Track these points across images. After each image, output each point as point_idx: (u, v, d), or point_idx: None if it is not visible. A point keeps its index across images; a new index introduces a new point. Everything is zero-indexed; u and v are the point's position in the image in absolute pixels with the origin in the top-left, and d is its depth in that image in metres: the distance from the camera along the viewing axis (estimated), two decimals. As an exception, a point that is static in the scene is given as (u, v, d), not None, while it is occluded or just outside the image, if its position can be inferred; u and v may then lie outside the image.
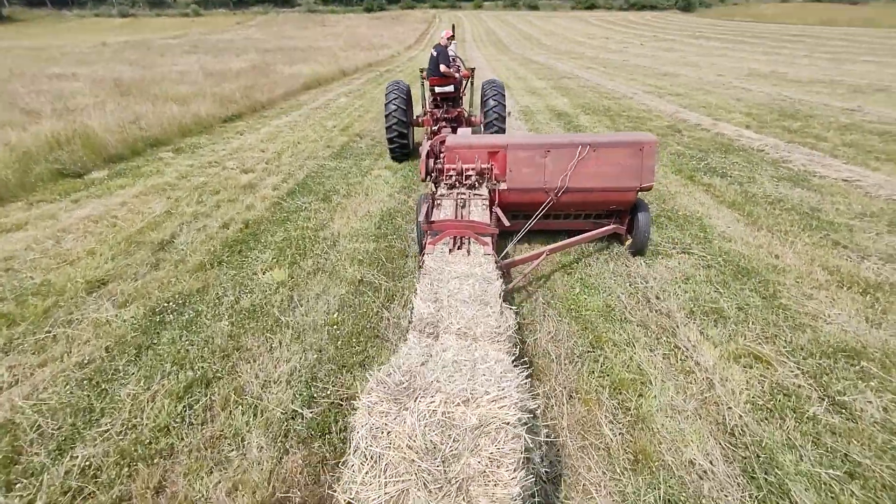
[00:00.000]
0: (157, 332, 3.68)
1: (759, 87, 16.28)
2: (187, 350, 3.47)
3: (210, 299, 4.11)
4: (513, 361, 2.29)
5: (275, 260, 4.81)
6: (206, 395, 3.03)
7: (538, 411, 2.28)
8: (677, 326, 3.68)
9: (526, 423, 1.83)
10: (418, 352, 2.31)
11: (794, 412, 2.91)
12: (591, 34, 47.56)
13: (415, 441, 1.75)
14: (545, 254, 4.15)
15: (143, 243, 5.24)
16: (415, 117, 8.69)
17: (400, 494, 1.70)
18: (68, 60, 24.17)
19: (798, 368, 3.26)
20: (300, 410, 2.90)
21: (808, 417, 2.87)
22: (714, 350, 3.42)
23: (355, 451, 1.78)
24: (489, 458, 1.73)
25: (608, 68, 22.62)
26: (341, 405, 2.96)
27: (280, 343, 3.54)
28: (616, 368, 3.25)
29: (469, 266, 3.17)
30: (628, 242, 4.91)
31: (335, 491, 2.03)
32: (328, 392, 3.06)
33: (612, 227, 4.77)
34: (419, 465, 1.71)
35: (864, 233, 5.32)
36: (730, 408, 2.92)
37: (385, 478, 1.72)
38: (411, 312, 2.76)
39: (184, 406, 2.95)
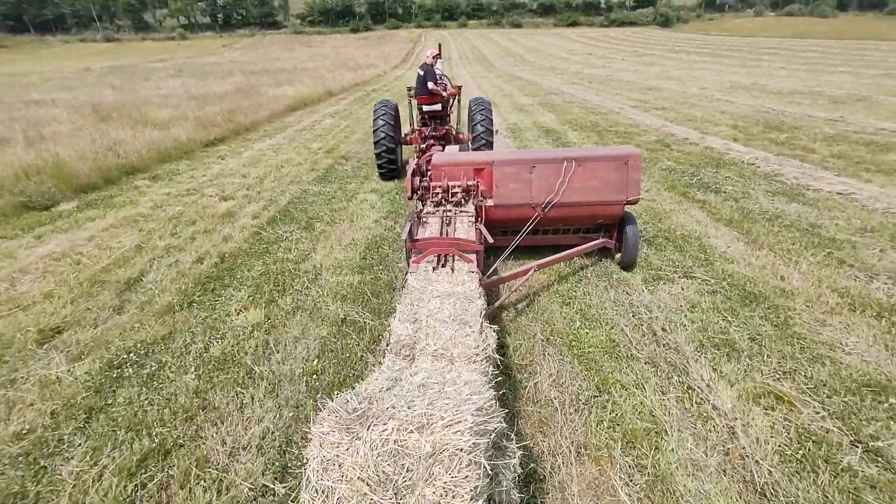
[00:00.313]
0: (113, 391, 3.27)
1: (741, 100, 16.45)
2: (145, 412, 3.06)
3: (176, 347, 3.71)
4: (489, 381, 2.20)
5: (251, 298, 4.43)
6: (163, 470, 2.63)
7: (508, 432, 2.04)
8: (688, 363, 3.38)
9: (485, 449, 1.70)
10: (387, 376, 2.20)
11: (828, 463, 2.60)
12: (574, 50, 48.47)
13: (367, 472, 1.64)
14: (534, 269, 4.06)
15: (107, 283, 4.83)
16: (403, 136, 8.59)
17: None
18: (49, 86, 23.78)
19: (823, 409, 2.97)
20: (271, 486, 2.52)
21: (843, 469, 2.56)
22: (731, 390, 3.11)
23: (307, 486, 1.68)
24: (444, 487, 1.60)
25: (593, 83, 22.83)
26: (319, 476, 2.58)
27: (252, 399, 3.15)
28: (627, 416, 2.92)
29: (451, 285, 3.09)
30: (618, 256, 4.84)
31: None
32: (304, 462, 2.67)
33: (600, 241, 4.73)
34: (371, 498, 1.60)
35: (867, 249, 5.12)
36: (757, 461, 2.60)
37: None
38: (388, 335, 2.67)
39: (135, 485, 2.54)
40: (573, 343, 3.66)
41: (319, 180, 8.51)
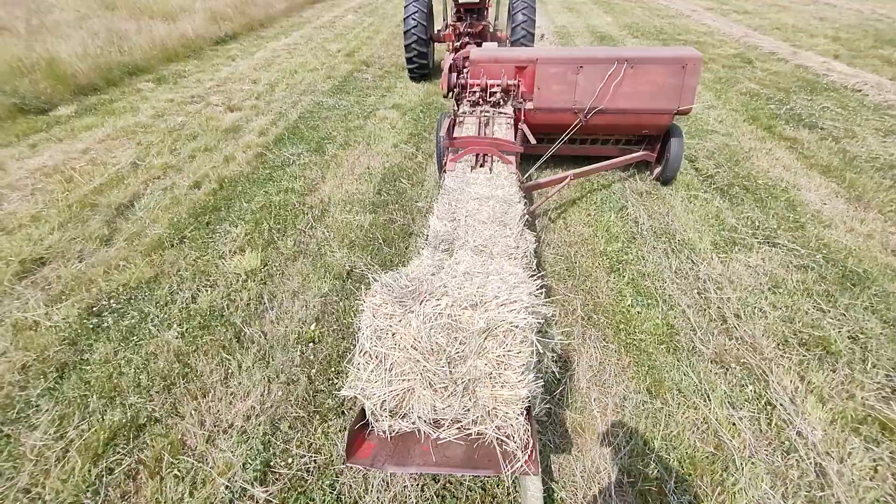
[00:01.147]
0: (90, 344, 2.87)
1: (845, 2, 13.35)
2: (121, 374, 2.67)
3: (161, 295, 3.25)
4: (532, 275, 2.12)
5: (248, 237, 3.85)
6: (133, 453, 2.28)
7: (553, 318, 2.01)
8: (768, 366, 2.67)
9: (536, 329, 1.72)
10: (430, 263, 2.12)
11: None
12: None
13: (420, 342, 1.69)
14: (570, 178, 3.85)
15: (98, 207, 4.32)
16: (436, 32, 7.82)
17: (405, 392, 1.75)
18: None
19: (946, 446, 2.28)
20: (250, 488, 2.13)
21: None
22: (822, 410, 2.43)
23: (360, 352, 1.77)
24: (496, 360, 1.68)
25: (661, -23, 19.06)
26: (305, 481, 2.16)
27: (239, 367, 2.70)
28: (685, 436, 2.33)
29: (490, 188, 2.94)
30: (657, 171, 4.54)
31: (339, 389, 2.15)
32: (290, 458, 2.26)
33: (641, 153, 4.41)
34: (424, 366, 1.70)
35: None
36: (853, 519, 2.01)
37: (390, 376, 1.73)
38: (427, 230, 2.61)
39: (101, 470, 2.20)
40: (621, 325, 2.97)
41: (336, 91, 7.42)
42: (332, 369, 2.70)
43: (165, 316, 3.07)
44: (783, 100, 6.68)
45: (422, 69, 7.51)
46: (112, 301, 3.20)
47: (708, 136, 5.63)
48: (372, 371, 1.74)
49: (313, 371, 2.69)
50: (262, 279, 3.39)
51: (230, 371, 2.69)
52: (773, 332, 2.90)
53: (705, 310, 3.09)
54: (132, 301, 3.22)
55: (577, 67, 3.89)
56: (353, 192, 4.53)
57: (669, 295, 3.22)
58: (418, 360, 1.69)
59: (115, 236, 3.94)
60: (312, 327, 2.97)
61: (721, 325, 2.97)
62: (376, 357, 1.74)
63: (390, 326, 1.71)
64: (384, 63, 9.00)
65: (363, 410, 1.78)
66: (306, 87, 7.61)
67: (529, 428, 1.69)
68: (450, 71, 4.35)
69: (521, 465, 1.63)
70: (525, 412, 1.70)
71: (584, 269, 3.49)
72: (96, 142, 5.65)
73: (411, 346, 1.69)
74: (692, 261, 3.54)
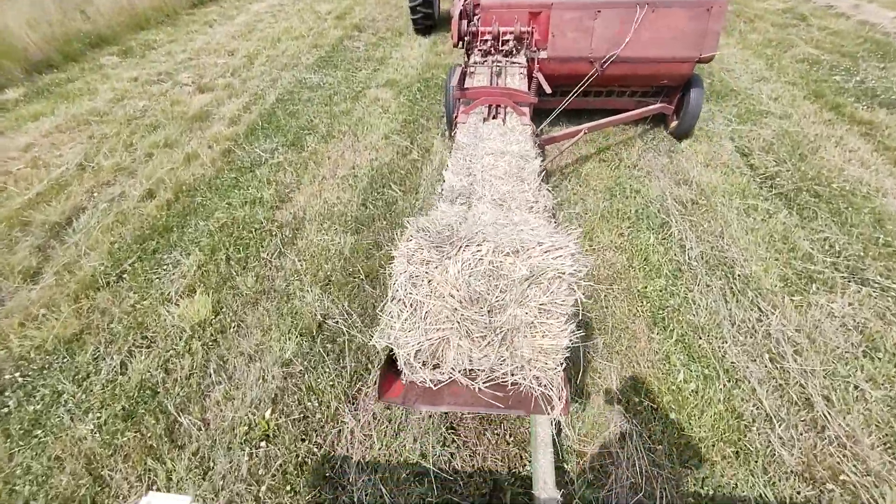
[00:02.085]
0: (-15, 440, 2.23)
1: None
2: (13, 493, 2.03)
3: (83, 363, 2.54)
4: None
5: (200, 271, 3.08)
6: None
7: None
8: (879, 492, 1.92)
9: (581, 277, 1.54)
10: (454, 212, 1.99)
11: None
12: None
13: (458, 290, 1.55)
14: (584, 131, 3.64)
15: (31, 226, 3.57)
16: None
17: (441, 342, 1.66)
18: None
19: None
20: None
21: None
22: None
23: (394, 299, 1.63)
24: (539, 308, 1.56)
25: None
26: None
27: (168, 479, 2.03)
28: None
29: (504, 143, 2.74)
30: (673, 125, 4.29)
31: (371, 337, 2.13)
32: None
33: (658, 105, 4.16)
34: (462, 314, 1.59)
35: None
36: None
37: (426, 325, 1.63)
38: (441, 186, 2.47)
39: None
40: (671, 414, 2.22)
41: (322, 63, 6.34)
42: (288, 487, 2.01)
43: (84, 397, 2.38)
44: (850, 68, 5.49)
45: (427, 19, 6.83)
46: (20, 372, 2.51)
47: (762, 121, 4.59)
48: (406, 319, 1.63)
49: (262, 490, 2.00)
50: (211, 336, 2.66)
51: (156, 486, 2.02)
52: (878, 428, 2.12)
53: (783, 387, 2.30)
54: (46, 372, 2.52)
55: (595, 12, 3.58)
56: (333, 203, 3.69)
57: (732, 363, 2.42)
58: (456, 309, 1.58)
59: (44, 268, 3.20)
60: (268, 414, 2.26)
61: (807, 412, 2.19)
62: (410, 305, 1.62)
63: (426, 273, 1.57)
64: (378, 27, 7.78)
65: (391, 356, 1.73)
66: (289, 60, 6.54)
67: (564, 376, 1.65)
68: (460, 18, 4.06)
69: (556, 411, 1.61)
70: (563, 362, 1.63)
71: (620, 319, 2.68)
72: (42, 135, 4.80)
73: (448, 294, 1.57)
74: (758, 307, 2.70)
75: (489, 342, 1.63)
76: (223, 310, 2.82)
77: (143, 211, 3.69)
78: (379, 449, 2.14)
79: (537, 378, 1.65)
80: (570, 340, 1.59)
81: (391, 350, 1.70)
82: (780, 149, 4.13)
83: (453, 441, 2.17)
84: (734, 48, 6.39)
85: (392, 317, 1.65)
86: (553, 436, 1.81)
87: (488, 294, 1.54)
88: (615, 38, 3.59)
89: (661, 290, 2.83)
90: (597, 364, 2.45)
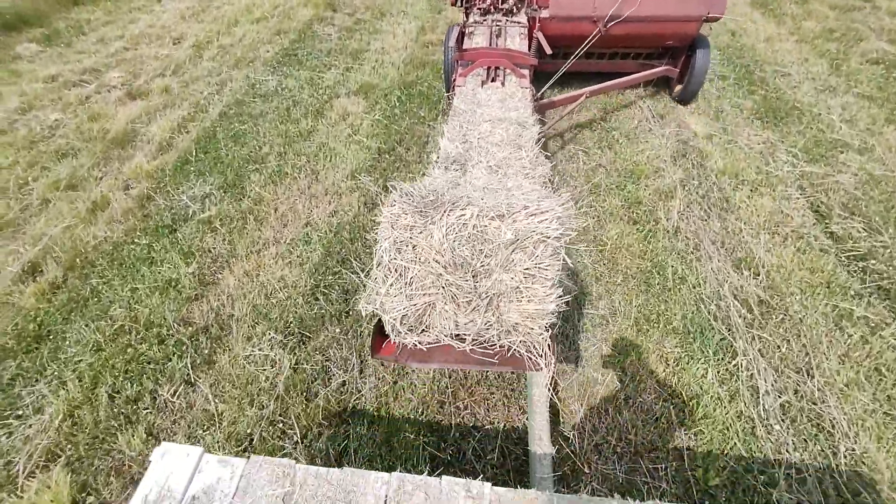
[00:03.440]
0: None
1: None
2: None
3: None
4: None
5: (68, 424, 2.13)
6: None
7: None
8: None
9: (567, 240, 1.52)
10: (445, 178, 1.93)
11: None
12: None
13: (443, 255, 1.53)
14: (586, 95, 3.46)
15: None
16: None
17: (426, 307, 1.64)
18: None
19: None
20: None
21: None
22: None
23: (378, 265, 1.63)
24: (524, 273, 1.53)
25: None
26: None
27: None
28: None
29: (503, 110, 2.60)
30: (677, 89, 4.08)
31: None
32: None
33: (663, 68, 3.97)
34: (447, 279, 1.56)
35: None
36: None
37: (411, 290, 1.61)
38: (437, 152, 2.35)
39: None
40: None
41: (284, 58, 5.06)
42: None
43: None
44: (941, 76, 4.29)
45: None
46: None
47: (838, 158, 3.48)
48: (391, 285, 1.60)
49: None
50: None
51: None
52: None
53: None
54: None
55: None
56: (272, 290, 2.68)
57: None
58: (441, 274, 1.54)
59: None
60: None
61: None
62: (395, 270, 1.59)
63: (410, 238, 1.53)
64: (356, 5, 6.35)
65: (381, 323, 1.70)
66: (244, 52, 5.25)
67: (552, 343, 1.62)
68: None
69: (546, 370, 1.61)
70: (549, 327, 1.59)
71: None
72: (-85, 168, 3.69)
73: (433, 259, 1.53)
74: (877, 517, 1.79)
75: (475, 307, 1.60)
76: None
77: (15, 300, 2.68)
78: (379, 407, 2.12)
79: (524, 342, 1.63)
80: (557, 305, 1.54)
81: (380, 319, 1.67)
82: (869, 206, 3.06)
83: (452, 402, 2.16)
84: (787, 40, 5.11)
85: (377, 282, 1.63)
86: (550, 393, 1.82)
87: (473, 259, 1.52)
88: None
89: (735, 476, 1.90)
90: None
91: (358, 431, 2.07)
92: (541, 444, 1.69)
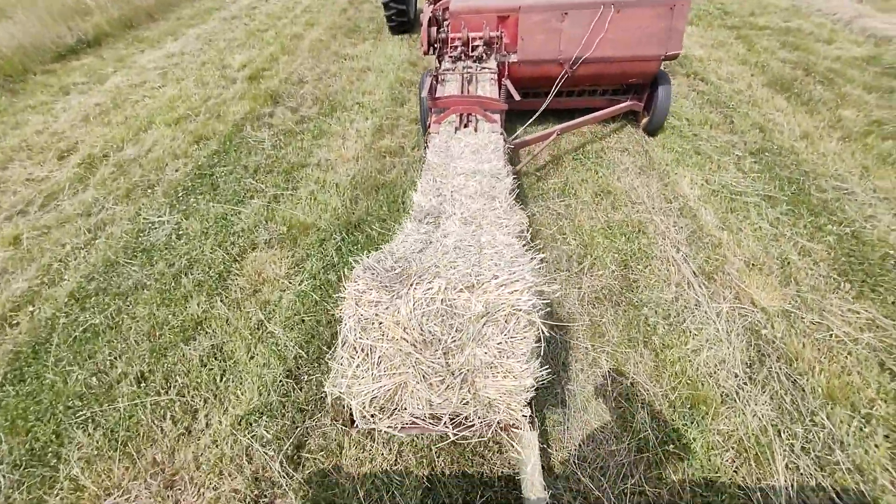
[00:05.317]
0: None
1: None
2: None
3: None
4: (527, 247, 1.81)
5: None
6: None
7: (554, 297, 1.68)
8: None
9: (541, 310, 1.46)
10: (416, 238, 1.91)
11: None
12: None
13: (411, 332, 1.45)
14: (557, 133, 3.54)
15: None
16: None
17: (397, 388, 1.55)
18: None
19: None
20: None
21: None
22: None
23: (344, 344, 1.54)
24: (497, 348, 1.46)
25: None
26: None
27: None
28: None
29: (476, 162, 2.59)
30: (644, 121, 4.16)
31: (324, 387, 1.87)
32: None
33: (629, 103, 4.04)
34: (417, 358, 1.48)
35: None
36: None
37: (379, 371, 1.52)
38: (412, 207, 2.31)
39: None
40: None
41: (195, 182, 3.77)
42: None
43: None
44: None
45: (401, 16, 6.38)
46: None
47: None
48: (357, 366, 1.52)
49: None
50: None
51: None
52: None
53: None
54: None
55: (562, 14, 3.51)
56: None
57: None
58: (409, 353, 1.47)
59: None
60: None
61: None
62: (362, 350, 1.51)
63: (376, 315, 1.46)
64: (304, 96, 5.20)
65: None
66: (146, 172, 3.96)
67: (534, 417, 1.58)
68: (429, 25, 4.10)
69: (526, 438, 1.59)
70: (529, 404, 1.54)
71: None
72: None
73: (401, 337, 1.46)
74: None
75: (448, 385, 1.52)
76: None
77: None
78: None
79: (502, 422, 1.56)
80: (536, 379, 1.47)
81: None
82: None
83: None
84: (829, 138, 4.04)
85: (343, 363, 1.54)
86: (538, 440, 1.66)
87: (443, 335, 1.44)
88: (583, 40, 3.54)
89: None
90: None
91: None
92: (534, 489, 1.60)
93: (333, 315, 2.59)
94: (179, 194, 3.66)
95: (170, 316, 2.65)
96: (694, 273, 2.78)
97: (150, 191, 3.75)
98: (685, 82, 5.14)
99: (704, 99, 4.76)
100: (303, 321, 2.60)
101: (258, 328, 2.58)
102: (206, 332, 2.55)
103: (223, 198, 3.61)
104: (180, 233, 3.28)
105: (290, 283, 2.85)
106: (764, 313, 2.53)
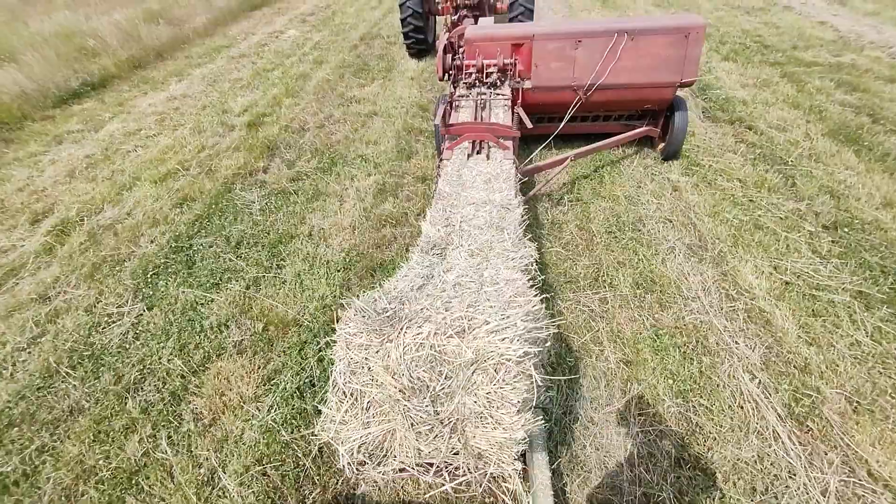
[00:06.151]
0: None
1: None
2: None
3: None
4: (532, 283, 1.75)
5: None
6: None
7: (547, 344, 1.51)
8: None
9: (534, 358, 1.40)
10: (417, 272, 1.85)
11: None
12: None
13: (400, 378, 1.40)
14: (570, 158, 3.53)
15: None
16: (434, 3, 6.67)
17: (385, 434, 1.51)
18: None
19: None
20: None
21: None
22: None
23: (334, 388, 1.51)
24: (486, 397, 1.39)
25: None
26: None
27: None
28: None
29: (487, 192, 2.55)
30: (660, 147, 4.06)
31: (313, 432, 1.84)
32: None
33: (644, 129, 3.97)
34: (405, 405, 1.43)
35: None
36: None
37: (368, 416, 1.49)
38: (420, 237, 2.30)
39: None
40: None
41: (168, 258, 3.25)
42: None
43: None
44: None
45: (419, 44, 6.61)
46: None
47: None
48: (346, 411, 1.48)
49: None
50: None
51: None
52: None
53: None
54: None
55: (576, 42, 3.52)
56: None
57: None
58: (398, 400, 1.42)
59: None
60: None
61: None
62: (351, 395, 1.47)
63: (366, 359, 1.42)
64: (304, 147, 4.73)
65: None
66: (120, 241, 3.49)
67: (527, 470, 1.51)
68: (444, 52, 4.12)
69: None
70: (522, 456, 1.50)
71: None
72: None
73: (390, 383, 1.40)
74: None
75: (437, 434, 1.46)
76: None
77: None
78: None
79: (493, 475, 1.50)
80: (528, 431, 1.40)
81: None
82: None
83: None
84: (859, 172, 3.31)
85: (332, 408, 1.50)
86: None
87: (431, 382, 1.39)
88: (597, 67, 3.50)
89: None
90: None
91: None
92: None
93: (303, 466, 1.98)
94: (149, 275, 3.16)
95: (101, 461, 2.09)
96: (779, 417, 2.08)
97: (118, 268, 3.27)
98: (730, 130, 4.48)
99: (756, 153, 4.08)
100: (265, 474, 2.00)
101: (207, 483, 1.99)
102: (139, 492, 1.97)
103: (197, 280, 3.09)
104: (139, 330, 2.75)
105: (257, 408, 2.27)
106: (892, 494, 1.81)
